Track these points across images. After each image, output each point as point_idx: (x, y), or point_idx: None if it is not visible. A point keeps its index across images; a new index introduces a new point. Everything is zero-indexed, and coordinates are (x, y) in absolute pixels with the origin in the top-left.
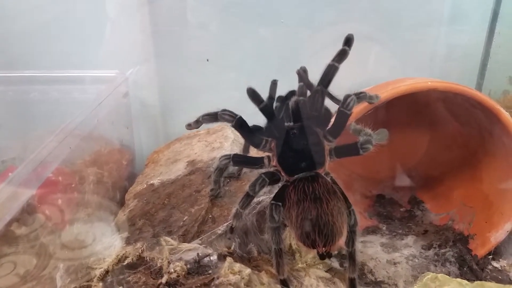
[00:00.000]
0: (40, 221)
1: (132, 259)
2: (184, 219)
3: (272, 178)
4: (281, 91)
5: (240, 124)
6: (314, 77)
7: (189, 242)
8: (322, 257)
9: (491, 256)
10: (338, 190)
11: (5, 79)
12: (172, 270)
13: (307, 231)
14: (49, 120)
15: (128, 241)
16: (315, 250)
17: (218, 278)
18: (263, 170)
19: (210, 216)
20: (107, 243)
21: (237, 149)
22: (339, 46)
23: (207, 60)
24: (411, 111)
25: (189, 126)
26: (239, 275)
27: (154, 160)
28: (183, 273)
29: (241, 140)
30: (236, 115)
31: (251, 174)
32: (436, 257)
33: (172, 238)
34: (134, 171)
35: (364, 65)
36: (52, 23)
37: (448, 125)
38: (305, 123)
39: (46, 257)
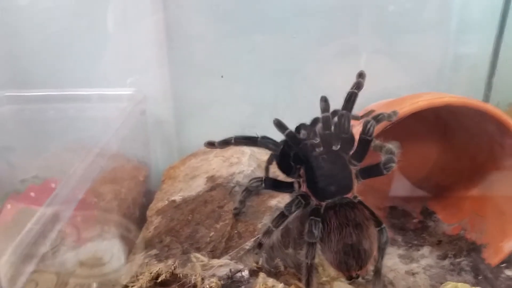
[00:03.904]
0: (60, 238)
1: (166, 276)
2: (211, 235)
3: (306, 201)
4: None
5: (282, 155)
6: (326, 91)
7: (218, 258)
8: (350, 278)
9: (504, 265)
10: (369, 213)
11: (22, 97)
12: (208, 287)
13: (346, 256)
14: (66, 138)
15: (158, 258)
16: (345, 273)
17: None
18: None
19: (236, 231)
20: (137, 260)
21: (254, 164)
22: (348, 58)
23: (222, 76)
24: (421, 122)
25: (212, 146)
26: None
27: (171, 176)
28: None
29: (258, 156)
30: (280, 144)
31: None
32: (451, 266)
33: (201, 255)
34: (150, 187)
35: (371, 78)
36: (68, 42)
37: (459, 136)
38: (332, 149)
39: (66, 275)
